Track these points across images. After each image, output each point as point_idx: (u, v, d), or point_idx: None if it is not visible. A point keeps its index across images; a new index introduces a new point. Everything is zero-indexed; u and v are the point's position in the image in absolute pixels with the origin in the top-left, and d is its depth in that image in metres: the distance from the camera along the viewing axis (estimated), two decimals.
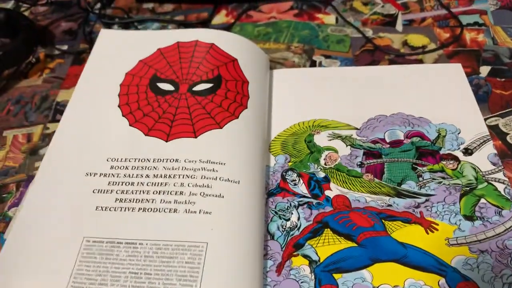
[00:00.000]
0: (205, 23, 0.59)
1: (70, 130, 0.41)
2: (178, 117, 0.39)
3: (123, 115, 0.41)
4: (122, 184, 0.36)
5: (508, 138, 0.43)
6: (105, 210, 0.34)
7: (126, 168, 0.37)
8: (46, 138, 0.47)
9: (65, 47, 0.57)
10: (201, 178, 0.35)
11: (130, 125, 0.40)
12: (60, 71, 0.55)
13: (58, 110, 0.50)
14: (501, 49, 0.52)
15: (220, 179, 0.35)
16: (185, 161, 0.36)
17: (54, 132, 0.47)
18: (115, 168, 0.37)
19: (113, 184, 0.36)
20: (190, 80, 0.42)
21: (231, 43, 0.46)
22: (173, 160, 0.36)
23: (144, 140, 0.39)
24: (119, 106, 0.42)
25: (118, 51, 0.47)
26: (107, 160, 0.37)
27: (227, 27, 0.58)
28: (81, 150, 0.39)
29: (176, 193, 0.34)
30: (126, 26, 0.60)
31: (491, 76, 0.49)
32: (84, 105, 0.42)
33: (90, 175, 0.37)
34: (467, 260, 0.33)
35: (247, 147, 0.38)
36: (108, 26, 0.59)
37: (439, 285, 0.32)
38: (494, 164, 0.39)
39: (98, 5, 0.62)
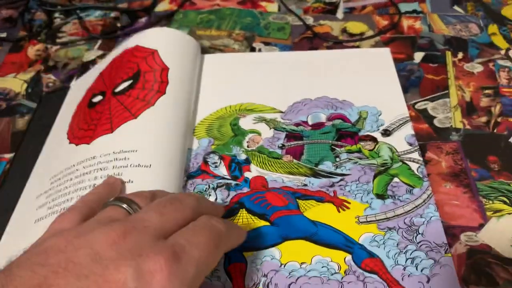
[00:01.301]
0: (148, 10, 0.59)
1: (39, 166, 0.41)
2: (101, 120, 0.40)
3: (67, 138, 0.42)
4: (53, 194, 0.36)
5: (435, 121, 0.44)
6: (39, 220, 0.35)
7: (59, 179, 0.37)
8: None
9: (4, 35, 0.57)
10: (113, 168, 0.35)
11: (69, 143, 0.41)
12: None
13: None
14: (436, 36, 0.53)
15: (131, 165, 0.35)
16: (100, 156, 0.37)
17: None
18: (52, 183, 0.38)
19: (48, 197, 0.37)
20: (113, 84, 0.43)
21: (153, 38, 0.46)
22: (91, 158, 0.37)
23: (75, 150, 0.39)
24: (66, 132, 0.42)
25: (77, 91, 0.47)
26: (49, 179, 0.38)
27: (170, 14, 0.58)
28: (38, 178, 0.40)
29: (89, 187, 0.35)
30: (67, 13, 0.59)
31: (425, 62, 0.50)
32: (49, 146, 0.43)
33: (38, 196, 0.38)
34: (375, 237, 0.33)
35: (162, 132, 0.38)
36: (49, 13, 0.59)
37: (345, 262, 0.32)
38: (410, 144, 0.39)
39: None
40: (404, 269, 0.32)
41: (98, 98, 0.43)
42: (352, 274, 0.31)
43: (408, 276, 0.31)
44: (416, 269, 0.32)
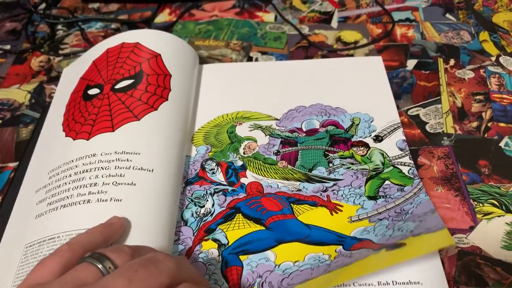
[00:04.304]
0: (148, 22, 0.61)
1: (36, 158, 0.43)
2: (100, 116, 0.40)
3: (62, 130, 0.42)
4: (53, 189, 0.37)
5: (427, 127, 0.45)
6: (40, 216, 0.36)
7: (57, 174, 0.38)
8: None
9: (7, 47, 0.58)
10: (115, 168, 0.36)
11: (66, 136, 0.41)
12: (0, 70, 0.55)
13: None
14: (429, 43, 0.54)
15: (133, 168, 0.36)
16: (101, 154, 0.37)
17: None
18: (50, 178, 0.38)
19: (47, 192, 0.37)
20: (113, 79, 0.43)
21: (155, 40, 0.47)
22: (91, 155, 0.37)
23: (72, 144, 0.40)
24: (62, 124, 0.43)
25: (70, 78, 0.49)
26: (48, 173, 0.39)
27: (169, 25, 0.60)
28: (36, 171, 0.41)
29: (90, 185, 0.35)
30: (70, 25, 0.61)
31: (417, 69, 0.51)
32: (44, 136, 0.45)
33: (37, 191, 0.38)
34: (366, 228, 0.35)
35: (164, 138, 0.39)
36: (52, 25, 0.60)
37: (336, 252, 0.33)
38: (401, 149, 0.40)
39: (43, 6, 0.63)
40: (390, 235, 0.33)
41: (95, 91, 0.43)
42: (341, 256, 0.33)
43: (393, 238, 0.32)
44: (402, 231, 0.33)
